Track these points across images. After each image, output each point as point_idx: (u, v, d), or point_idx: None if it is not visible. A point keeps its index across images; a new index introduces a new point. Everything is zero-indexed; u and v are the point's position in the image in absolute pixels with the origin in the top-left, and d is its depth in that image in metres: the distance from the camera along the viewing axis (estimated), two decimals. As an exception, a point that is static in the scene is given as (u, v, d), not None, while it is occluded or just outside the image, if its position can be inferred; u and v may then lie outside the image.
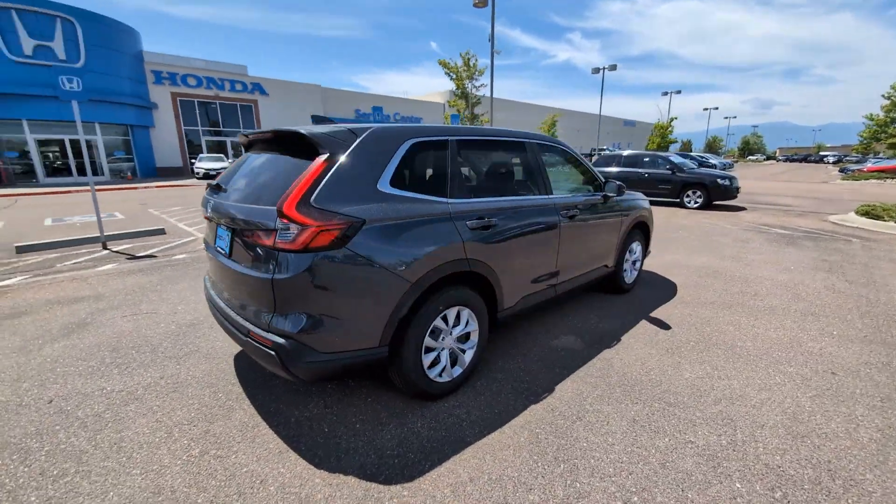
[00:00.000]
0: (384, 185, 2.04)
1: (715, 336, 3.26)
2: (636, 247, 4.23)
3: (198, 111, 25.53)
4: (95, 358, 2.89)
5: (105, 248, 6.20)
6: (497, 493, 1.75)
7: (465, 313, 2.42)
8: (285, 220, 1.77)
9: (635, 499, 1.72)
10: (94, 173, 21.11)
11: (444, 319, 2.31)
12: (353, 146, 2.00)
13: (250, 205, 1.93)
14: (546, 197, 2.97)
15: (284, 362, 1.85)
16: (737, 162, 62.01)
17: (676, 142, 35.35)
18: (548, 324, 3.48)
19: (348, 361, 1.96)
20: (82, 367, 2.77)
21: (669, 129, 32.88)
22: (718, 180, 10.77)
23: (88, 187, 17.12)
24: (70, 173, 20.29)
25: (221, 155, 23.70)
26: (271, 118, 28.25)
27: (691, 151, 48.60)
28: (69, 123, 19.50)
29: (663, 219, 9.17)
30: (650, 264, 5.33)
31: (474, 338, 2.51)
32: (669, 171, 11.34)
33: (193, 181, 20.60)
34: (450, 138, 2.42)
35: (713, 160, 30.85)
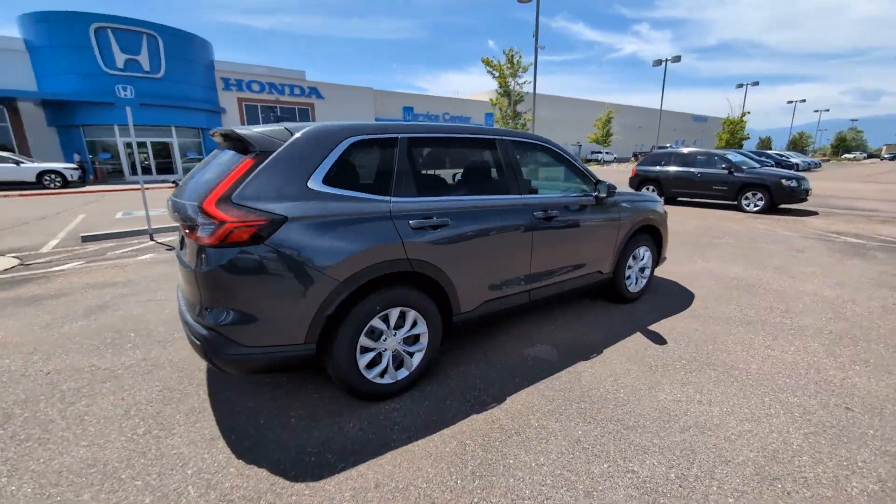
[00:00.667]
0: (315, 183, 2.04)
1: (715, 355, 2.90)
2: (643, 252, 3.88)
3: (260, 115, 27.49)
4: (99, 337, 3.21)
5: (151, 239, 6.88)
6: (397, 502, 1.68)
7: (411, 315, 2.36)
8: (204, 216, 1.84)
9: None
10: (170, 172, 23.56)
11: (385, 320, 2.27)
12: (285, 145, 2.03)
13: (186, 201, 2.03)
14: (517, 197, 2.81)
15: (208, 353, 1.92)
16: (827, 160, 55.03)
17: (748, 138, 31.92)
18: (529, 331, 3.30)
19: (272, 356, 1.99)
20: (85, 345, 3.08)
21: (741, 124, 29.89)
22: (783, 181, 9.60)
23: (166, 184, 18.86)
24: (151, 172, 22.85)
25: (279, 155, 25.31)
26: (326, 120, 29.65)
27: (770, 149, 43.91)
28: (151, 127, 21.95)
29: (710, 223, 8.37)
30: (672, 272, 4.88)
31: (423, 341, 2.45)
32: (726, 171, 10.30)
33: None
34: (400, 136, 2.36)
35: (795, 159, 27.63)
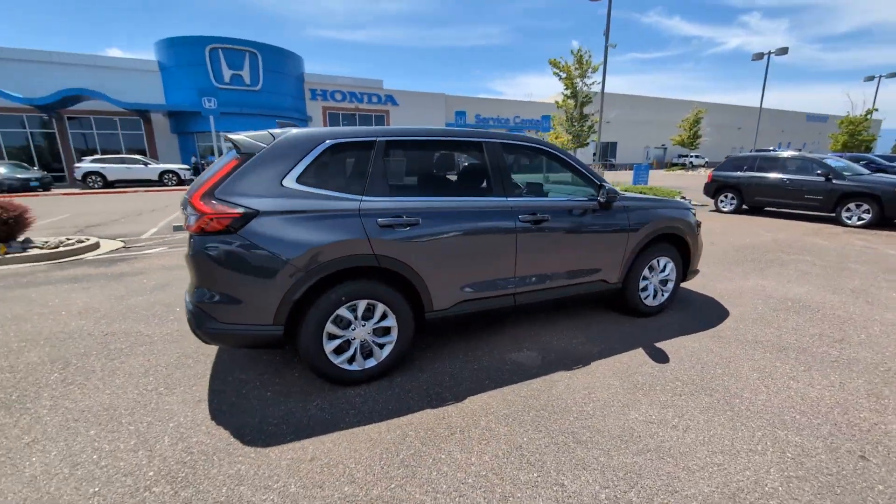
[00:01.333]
0: (290, 182, 2.27)
1: (718, 381, 2.61)
2: (664, 263, 3.58)
3: (341, 122, 29.69)
4: (152, 310, 3.82)
5: None
6: (323, 476, 1.82)
7: (380, 308, 2.49)
8: (191, 208, 2.16)
9: (444, 500, 1.60)
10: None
11: (353, 310, 2.43)
12: (266, 148, 2.29)
13: (186, 195, 2.38)
14: (499, 199, 2.79)
15: (193, 326, 2.24)
16: None
17: (874, 139, 26.46)
18: (524, 336, 3.24)
19: (244, 333, 2.25)
20: (141, 315, 3.70)
21: (865, 123, 25.23)
22: (899, 190, 8.02)
23: None
24: (247, 173, 25.99)
25: (354, 158, 27.16)
26: (400, 126, 31.12)
27: (910, 153, 36.45)
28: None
29: (792, 237, 7.30)
30: (715, 288, 4.40)
31: (393, 334, 2.56)
32: (822, 178, 8.88)
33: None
34: (378, 139, 2.52)
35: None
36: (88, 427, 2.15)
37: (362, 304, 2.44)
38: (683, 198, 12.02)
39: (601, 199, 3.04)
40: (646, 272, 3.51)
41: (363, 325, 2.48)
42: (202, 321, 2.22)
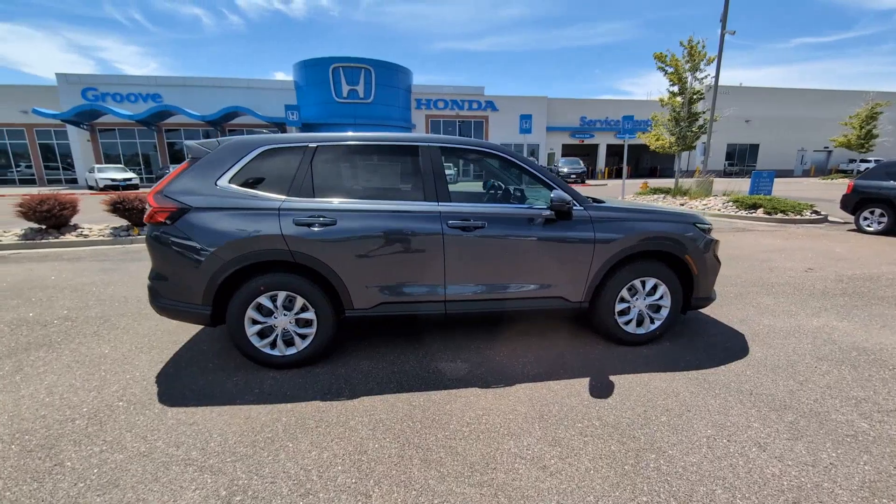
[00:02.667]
0: (223, 182, 2.61)
1: (647, 430, 2.16)
2: (651, 285, 3.05)
3: (442, 129, 31.07)
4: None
5: None
6: (187, 438, 2.07)
7: (299, 301, 2.68)
8: (147, 202, 2.64)
9: (256, 483, 1.70)
10: (369, 177, 29.23)
11: (274, 300, 2.67)
12: (209, 153, 2.67)
13: None
14: (426, 203, 2.74)
15: (149, 300, 2.73)
16: None
17: None
18: (463, 347, 3.11)
19: (180, 310, 2.66)
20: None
21: None
22: None
23: None
24: (356, 177, 29.02)
25: (449, 164, 28.17)
26: (497, 131, 31.27)
27: None
28: (360, 142, 27.81)
29: (945, 269, 5.39)
30: (756, 324, 3.58)
31: (314, 326, 2.73)
32: None
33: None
34: (308, 144, 2.72)
35: None
36: (80, 368, 2.80)
37: (282, 295, 2.66)
38: (806, 212, 9.74)
39: (548, 207, 2.75)
40: (625, 294, 3.04)
41: (285, 315, 2.71)
42: (153, 297, 2.70)
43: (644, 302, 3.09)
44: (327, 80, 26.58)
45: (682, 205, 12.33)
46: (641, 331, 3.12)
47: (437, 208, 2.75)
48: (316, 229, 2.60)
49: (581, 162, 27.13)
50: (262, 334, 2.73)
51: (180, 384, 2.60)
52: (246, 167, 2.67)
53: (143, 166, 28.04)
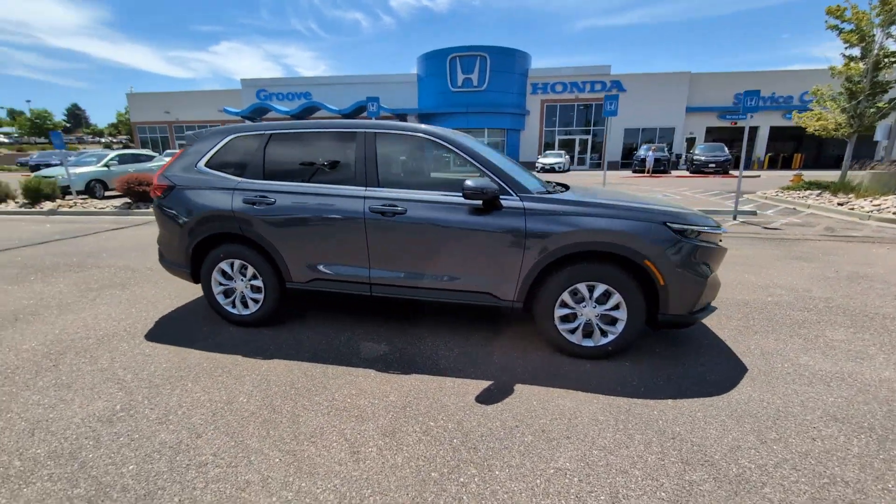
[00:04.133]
0: (199, 166, 3.14)
1: (494, 442, 1.94)
2: (604, 292, 2.59)
3: (558, 114, 29.44)
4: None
5: None
6: (136, 364, 2.66)
7: (251, 269, 3.09)
8: (154, 181, 3.33)
9: (143, 406, 2.15)
10: (478, 165, 29.59)
11: (232, 266, 3.13)
12: (195, 141, 3.22)
13: None
14: (355, 188, 2.82)
15: (159, 259, 3.47)
16: None
17: None
18: (407, 333, 3.13)
19: (174, 269, 3.32)
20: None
21: None
22: None
23: None
24: (466, 164, 29.68)
25: (562, 151, 26.64)
26: (622, 114, 28.21)
27: None
28: (473, 130, 28.24)
29: None
30: (769, 358, 2.75)
31: (262, 293, 3.12)
32: None
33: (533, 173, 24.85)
34: (266, 132, 3.05)
35: None
36: (125, 304, 3.74)
37: (237, 263, 3.11)
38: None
39: (465, 193, 2.55)
40: (566, 298, 2.66)
41: (241, 281, 3.16)
42: (160, 255, 3.43)
43: (594, 310, 2.65)
44: (444, 70, 27.57)
45: (842, 204, 9.45)
46: (589, 343, 2.70)
47: (364, 193, 2.82)
48: (258, 207, 2.94)
49: (725, 148, 22.68)
50: (226, 294, 3.24)
51: (168, 327, 3.28)
52: (218, 152, 3.15)
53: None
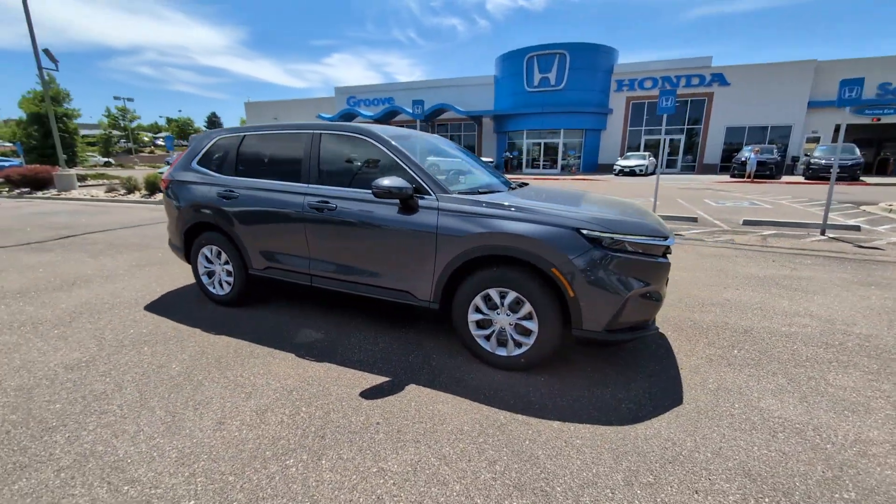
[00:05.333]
0: (193, 164, 3.62)
1: (316, 431, 1.98)
2: (514, 300, 2.44)
3: (645, 113, 27.03)
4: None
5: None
6: (125, 326, 3.21)
7: (224, 255, 3.50)
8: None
9: (100, 360, 2.63)
10: (553, 167, 28.54)
11: (211, 251, 3.58)
12: (193, 142, 3.73)
13: None
14: (295, 185, 3.04)
15: (168, 242, 4.09)
16: None
17: None
18: (352, 322, 3.27)
19: (175, 250, 3.88)
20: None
21: None
22: None
23: (553, 176, 23.03)
24: (538, 166, 28.77)
25: (646, 153, 24.42)
26: (725, 110, 24.98)
27: None
28: (546, 131, 27.40)
29: None
30: (734, 396, 2.33)
31: (233, 277, 3.51)
32: None
33: (610, 176, 23.23)
34: (241, 133, 3.42)
35: None
36: (154, 277, 4.45)
37: (214, 249, 3.54)
38: None
39: (374, 192, 2.58)
40: (479, 302, 2.56)
41: (218, 265, 3.59)
42: (169, 240, 4.03)
43: (508, 318, 2.51)
44: (521, 70, 27.08)
45: None
46: (502, 352, 2.56)
47: (305, 189, 3.03)
48: (226, 200, 3.32)
49: (856, 150, 18.76)
50: (209, 275, 3.70)
51: (167, 300, 3.86)
52: (206, 152, 3.61)
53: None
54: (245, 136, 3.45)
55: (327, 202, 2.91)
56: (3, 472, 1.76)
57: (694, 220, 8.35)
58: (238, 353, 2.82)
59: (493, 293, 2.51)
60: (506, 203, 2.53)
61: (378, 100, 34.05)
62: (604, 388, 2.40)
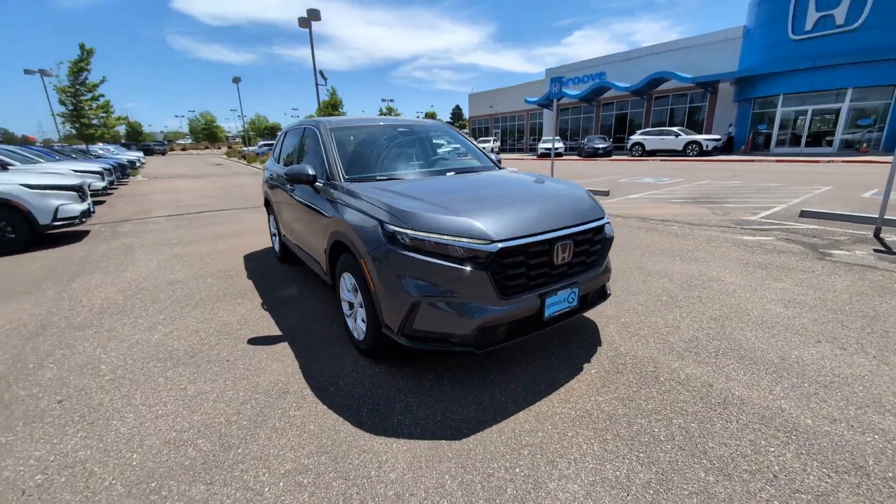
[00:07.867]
0: (274, 152, 4.68)
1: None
2: (352, 284, 2.35)
3: None
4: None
5: (877, 236, 4.70)
6: (130, 301, 4.64)
7: (273, 227, 4.50)
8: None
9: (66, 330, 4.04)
10: (821, 144, 20.14)
11: (269, 222, 4.64)
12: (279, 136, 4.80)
13: None
14: (280, 167, 3.68)
15: (270, 209, 5.43)
16: None
17: None
18: (316, 292, 3.68)
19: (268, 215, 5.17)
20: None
21: None
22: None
23: (818, 159, 17.30)
24: (798, 143, 20.69)
25: None
26: None
27: None
28: (821, 93, 19.44)
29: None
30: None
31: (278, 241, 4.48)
32: None
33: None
34: (301, 127, 4.17)
35: None
36: (236, 242, 6.01)
37: (272, 220, 4.58)
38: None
39: (286, 176, 2.87)
40: (346, 284, 2.53)
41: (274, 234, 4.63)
42: (267, 208, 5.38)
43: (353, 298, 2.45)
44: (785, 12, 19.72)
45: None
46: (357, 336, 2.48)
47: (284, 170, 3.57)
48: (272, 180, 4.26)
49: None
50: (274, 237, 4.81)
51: (248, 260, 5.20)
52: (282, 146, 4.56)
53: (579, 137, 33.62)
54: (305, 128, 3.93)
55: (282, 178, 3.40)
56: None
57: None
58: (245, 321, 3.68)
59: (348, 277, 2.45)
60: (360, 192, 2.39)
61: (588, 76, 31.73)
62: (485, 395, 2.00)
